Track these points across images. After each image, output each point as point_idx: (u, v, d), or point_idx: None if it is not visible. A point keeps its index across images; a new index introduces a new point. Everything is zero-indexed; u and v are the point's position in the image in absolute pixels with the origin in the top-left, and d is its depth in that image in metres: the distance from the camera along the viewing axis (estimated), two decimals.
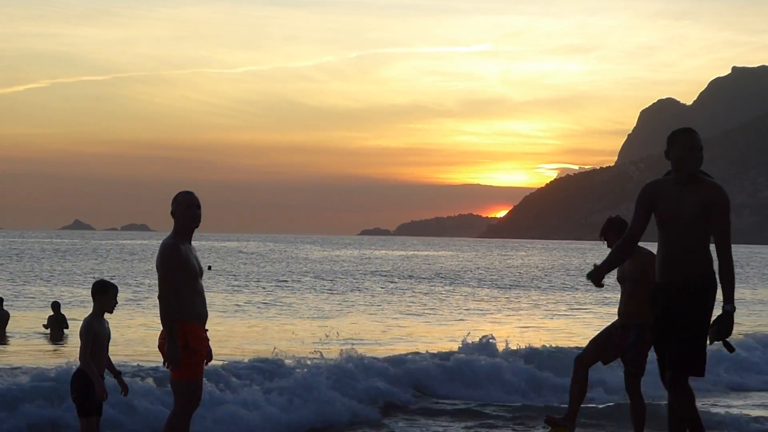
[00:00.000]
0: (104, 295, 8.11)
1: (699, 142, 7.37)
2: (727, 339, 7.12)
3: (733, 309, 7.05)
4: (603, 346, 9.59)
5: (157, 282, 7.44)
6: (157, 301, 7.41)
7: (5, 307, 23.05)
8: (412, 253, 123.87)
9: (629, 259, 8.86)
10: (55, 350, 20.12)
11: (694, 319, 7.13)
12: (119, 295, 8.41)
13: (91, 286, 8.26)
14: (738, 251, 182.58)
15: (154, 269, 7.53)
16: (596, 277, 7.50)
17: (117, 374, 8.25)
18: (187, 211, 7.49)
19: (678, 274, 7.18)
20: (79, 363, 8.05)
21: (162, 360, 7.45)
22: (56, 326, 22.15)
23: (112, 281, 8.36)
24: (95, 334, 7.98)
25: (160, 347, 7.45)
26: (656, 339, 7.33)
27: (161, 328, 7.42)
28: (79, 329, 8.08)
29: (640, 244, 9.09)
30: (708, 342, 7.14)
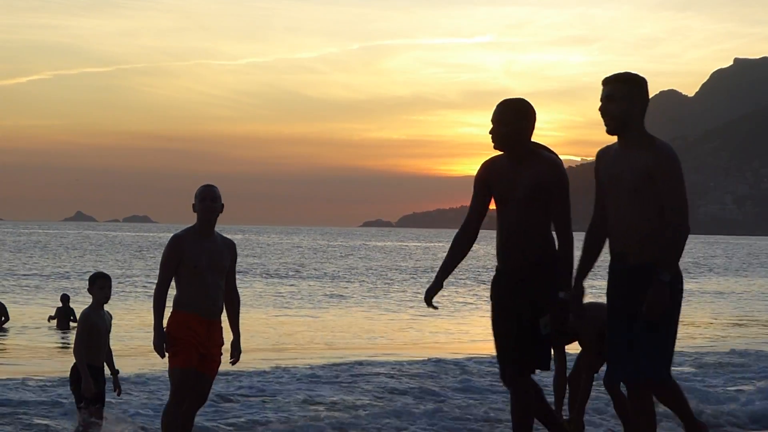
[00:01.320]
0: (93, 286, 8.16)
1: (502, 115, 6.54)
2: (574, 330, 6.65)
3: (571, 296, 6.38)
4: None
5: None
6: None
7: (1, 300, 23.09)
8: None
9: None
10: (60, 345, 20.11)
11: (513, 309, 6.50)
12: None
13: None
14: (740, 242, 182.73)
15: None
16: (429, 294, 6.81)
17: (114, 373, 8.28)
18: (199, 204, 7.51)
19: (515, 261, 6.60)
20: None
21: None
22: (63, 317, 22.15)
23: (103, 271, 8.38)
24: (92, 326, 8.00)
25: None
26: (494, 331, 6.68)
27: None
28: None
29: None
30: (542, 331, 6.45)
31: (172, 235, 7.55)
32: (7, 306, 22.96)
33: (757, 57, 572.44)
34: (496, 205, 6.69)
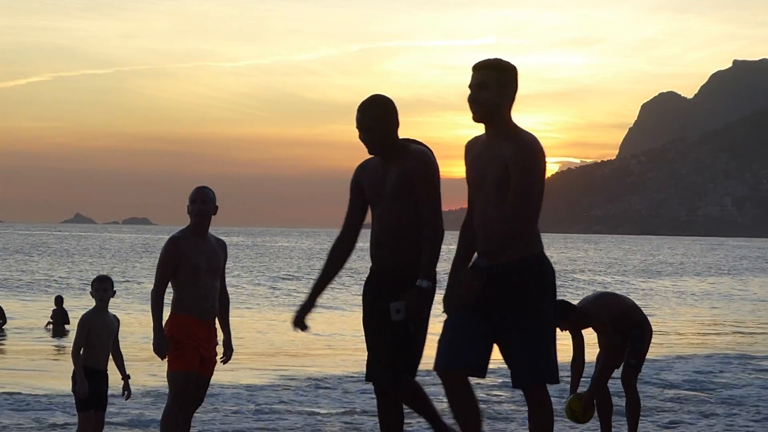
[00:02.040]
0: (91, 287, 8.14)
1: (365, 122, 6.23)
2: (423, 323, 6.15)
3: (430, 286, 6.06)
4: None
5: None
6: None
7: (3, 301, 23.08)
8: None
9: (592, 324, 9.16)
10: (57, 350, 20.05)
11: (385, 310, 6.14)
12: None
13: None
14: (740, 244, 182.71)
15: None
16: (300, 315, 6.41)
17: (125, 377, 8.22)
18: (190, 206, 7.48)
19: (388, 261, 6.26)
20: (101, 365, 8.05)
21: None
22: (58, 321, 22.12)
23: (104, 274, 8.34)
24: (90, 328, 7.94)
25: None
26: (366, 334, 6.33)
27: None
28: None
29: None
30: (392, 318, 6.05)
31: (172, 237, 7.48)
32: (4, 308, 22.95)
33: (757, 59, 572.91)
34: (370, 207, 6.37)
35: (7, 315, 22.57)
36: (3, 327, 22.09)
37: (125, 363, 8.17)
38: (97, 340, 7.98)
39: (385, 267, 6.25)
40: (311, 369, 16.21)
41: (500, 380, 13.40)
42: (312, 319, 6.38)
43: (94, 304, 8.09)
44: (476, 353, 5.63)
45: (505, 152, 5.57)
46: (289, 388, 13.78)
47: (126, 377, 8.18)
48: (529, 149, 5.54)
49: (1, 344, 20.26)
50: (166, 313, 7.38)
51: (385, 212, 6.23)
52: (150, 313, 7.41)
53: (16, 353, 18.71)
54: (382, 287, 6.22)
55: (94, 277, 8.29)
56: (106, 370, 8.10)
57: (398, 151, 6.26)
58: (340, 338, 22.27)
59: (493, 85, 5.61)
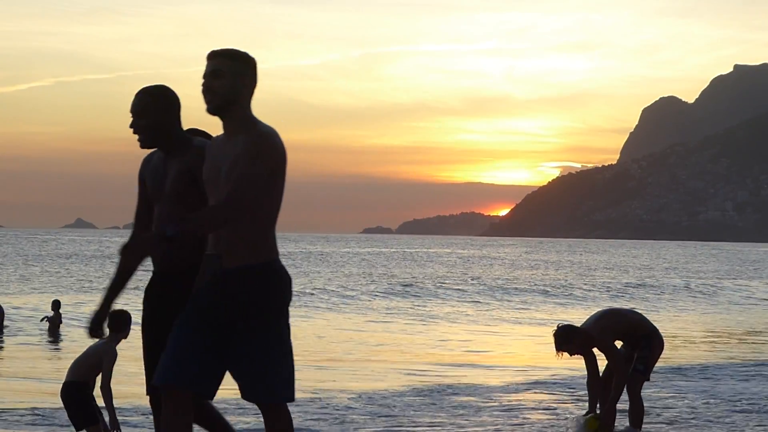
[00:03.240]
0: (126, 325, 8.01)
1: (141, 107, 5.74)
2: None
3: (174, 234, 5.14)
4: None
5: None
6: None
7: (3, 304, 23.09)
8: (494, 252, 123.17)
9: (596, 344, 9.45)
10: (52, 356, 19.96)
11: (168, 316, 5.59)
12: None
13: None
14: (740, 249, 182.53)
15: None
16: (97, 321, 5.93)
17: (112, 411, 8.12)
18: None
19: (168, 263, 5.72)
20: (66, 377, 8.05)
21: None
22: (54, 326, 22.15)
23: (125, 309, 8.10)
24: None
25: None
26: (144, 341, 5.88)
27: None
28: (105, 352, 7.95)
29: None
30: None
31: None
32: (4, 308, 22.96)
33: (758, 63, 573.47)
34: (153, 204, 5.83)
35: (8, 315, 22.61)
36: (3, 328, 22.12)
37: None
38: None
39: (166, 269, 5.76)
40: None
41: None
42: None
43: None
44: (205, 373, 5.26)
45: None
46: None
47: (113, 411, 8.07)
48: (260, 140, 5.17)
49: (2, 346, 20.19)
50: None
51: (166, 211, 5.69)
52: None
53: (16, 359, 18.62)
54: (164, 293, 5.75)
55: (126, 313, 7.98)
56: (94, 387, 8.06)
57: (180, 144, 5.74)
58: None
59: (228, 74, 5.28)
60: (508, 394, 13.52)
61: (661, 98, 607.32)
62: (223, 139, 5.33)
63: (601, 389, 9.57)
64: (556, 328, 9.59)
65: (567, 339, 9.41)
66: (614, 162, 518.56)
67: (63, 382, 8.07)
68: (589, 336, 9.43)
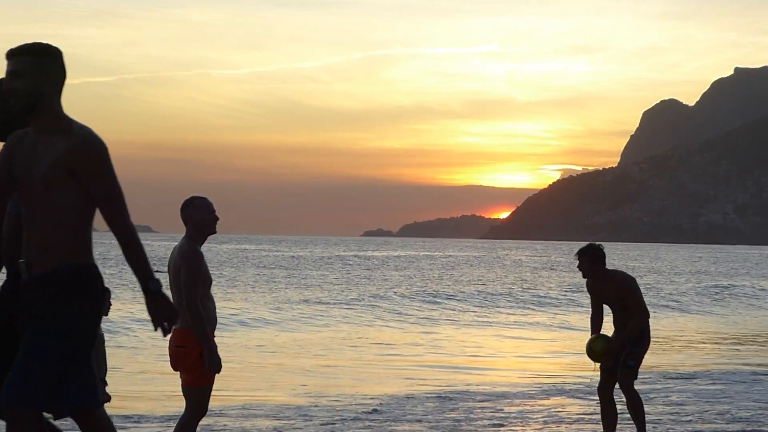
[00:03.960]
0: None
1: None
2: None
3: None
4: (613, 368, 9.71)
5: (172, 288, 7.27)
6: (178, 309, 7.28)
7: None
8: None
9: (605, 284, 9.55)
10: None
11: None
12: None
13: None
14: (740, 251, 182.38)
15: (167, 275, 7.29)
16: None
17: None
18: (208, 216, 7.45)
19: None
20: None
21: (170, 364, 7.43)
22: None
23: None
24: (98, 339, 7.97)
25: (174, 354, 7.33)
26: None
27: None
28: None
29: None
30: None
31: (190, 248, 7.31)
32: None
33: (758, 66, 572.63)
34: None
35: None
36: None
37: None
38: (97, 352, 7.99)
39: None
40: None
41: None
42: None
43: None
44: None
45: (59, 147, 4.82)
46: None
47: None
48: (96, 142, 4.87)
49: None
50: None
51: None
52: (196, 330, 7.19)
53: None
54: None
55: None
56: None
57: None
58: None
59: (30, 72, 4.89)
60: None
61: (661, 101, 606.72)
62: (32, 137, 4.93)
63: (600, 327, 9.68)
64: (588, 245, 9.74)
65: (595, 258, 9.54)
66: (615, 165, 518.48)
67: None
68: (617, 275, 9.58)
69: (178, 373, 7.41)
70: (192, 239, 7.39)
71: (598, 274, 9.57)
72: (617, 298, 9.57)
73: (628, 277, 9.67)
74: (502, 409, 12.53)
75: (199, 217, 7.40)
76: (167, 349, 7.37)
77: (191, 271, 7.21)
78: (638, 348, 9.56)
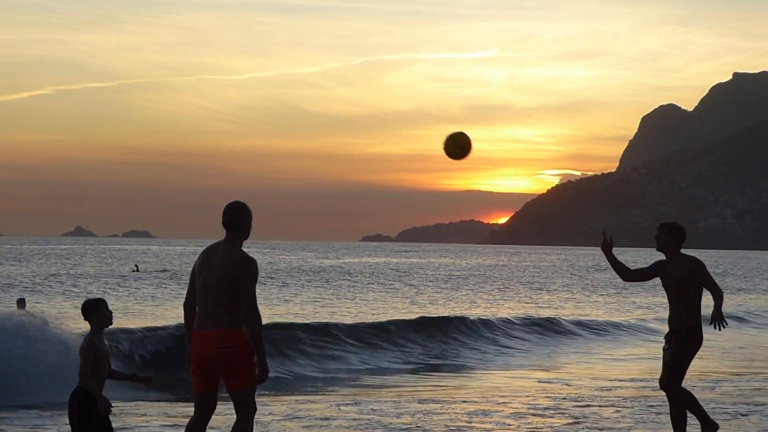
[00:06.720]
0: (97, 312, 7.96)
1: None
2: None
3: None
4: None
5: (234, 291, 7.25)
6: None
7: None
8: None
9: (675, 264, 9.55)
10: None
11: None
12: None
13: (81, 308, 8.01)
14: (738, 256, 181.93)
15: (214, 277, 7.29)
16: None
17: (132, 377, 8.21)
18: (250, 221, 7.55)
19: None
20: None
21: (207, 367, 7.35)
22: None
23: (96, 297, 8.22)
24: (95, 352, 7.82)
25: (220, 356, 7.30)
26: None
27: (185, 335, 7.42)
28: (79, 347, 7.93)
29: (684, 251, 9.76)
30: None
31: (249, 257, 7.34)
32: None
33: (757, 71, 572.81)
34: None
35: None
36: None
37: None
38: (99, 363, 7.88)
39: None
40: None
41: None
42: None
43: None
44: None
45: None
46: None
47: (132, 376, 8.19)
48: None
49: None
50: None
51: None
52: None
53: None
54: None
55: (90, 302, 8.02)
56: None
57: None
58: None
59: None
60: None
61: (660, 106, 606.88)
62: None
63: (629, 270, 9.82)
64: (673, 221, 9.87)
65: (676, 233, 9.64)
66: (614, 170, 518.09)
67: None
68: (688, 256, 9.61)
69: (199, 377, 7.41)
70: (239, 245, 7.44)
71: (672, 249, 9.62)
72: (683, 279, 9.51)
73: (700, 260, 9.75)
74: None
75: (248, 224, 7.50)
76: (194, 353, 7.31)
77: (254, 279, 7.26)
78: (680, 347, 9.43)
